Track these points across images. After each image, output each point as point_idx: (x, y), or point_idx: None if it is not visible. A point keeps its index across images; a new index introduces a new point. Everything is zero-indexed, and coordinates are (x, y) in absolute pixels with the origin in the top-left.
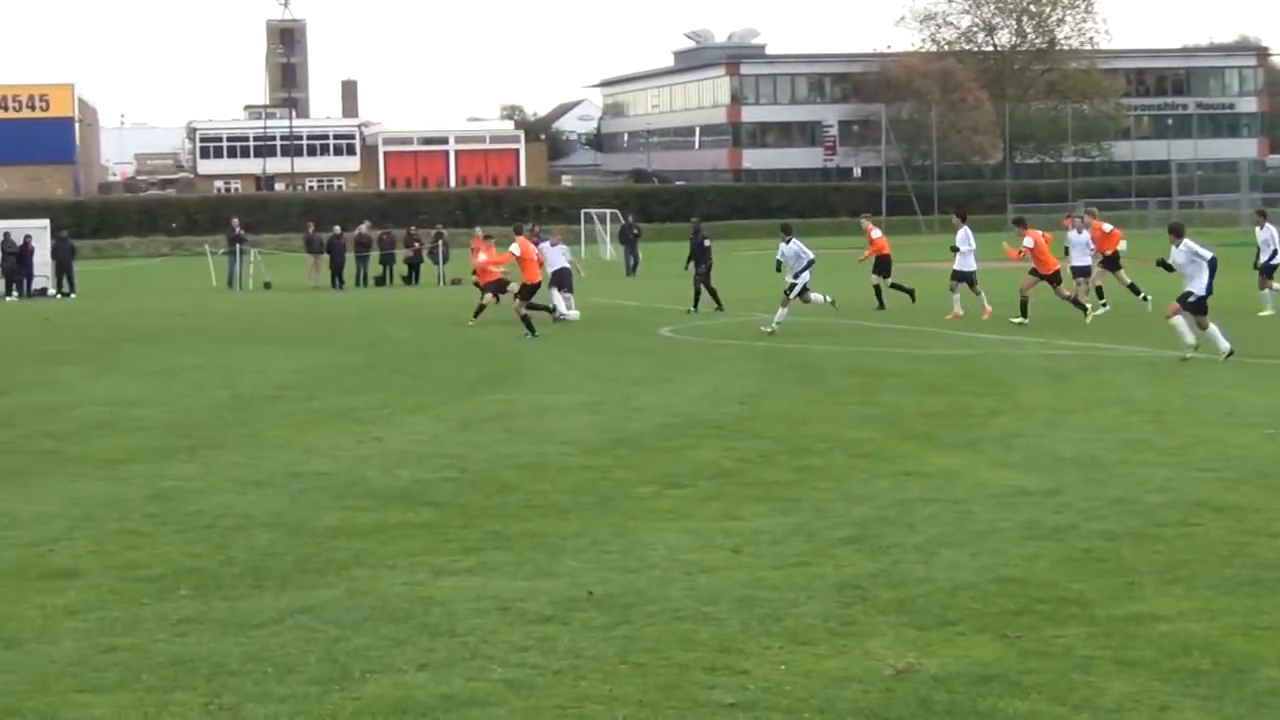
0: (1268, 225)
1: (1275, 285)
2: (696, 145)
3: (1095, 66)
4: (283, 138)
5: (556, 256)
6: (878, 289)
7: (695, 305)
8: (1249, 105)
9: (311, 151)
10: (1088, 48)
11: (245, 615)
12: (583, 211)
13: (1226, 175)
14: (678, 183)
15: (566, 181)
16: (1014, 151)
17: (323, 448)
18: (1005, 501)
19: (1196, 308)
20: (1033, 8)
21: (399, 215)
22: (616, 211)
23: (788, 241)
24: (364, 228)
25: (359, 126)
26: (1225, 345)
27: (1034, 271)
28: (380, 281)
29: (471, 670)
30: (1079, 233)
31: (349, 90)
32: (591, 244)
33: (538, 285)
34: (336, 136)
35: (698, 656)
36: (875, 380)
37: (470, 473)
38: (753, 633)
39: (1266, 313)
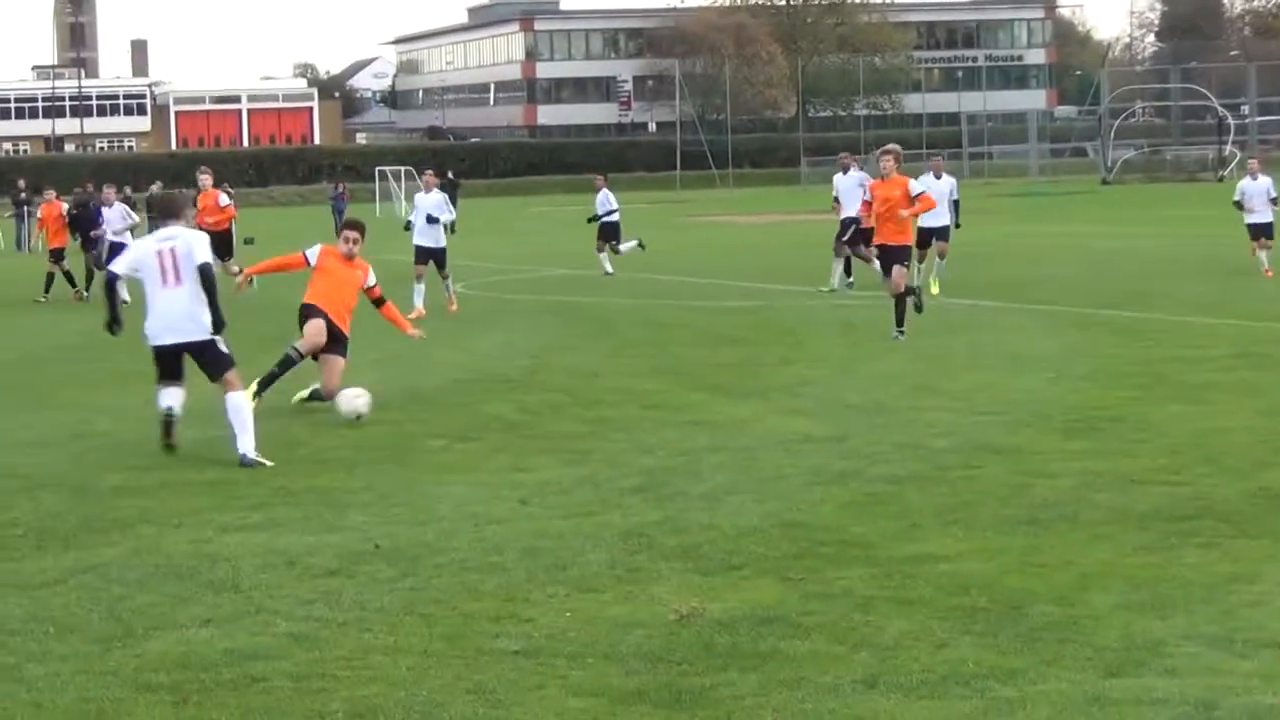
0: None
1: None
2: (492, 102)
3: (886, 20)
4: (71, 98)
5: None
6: None
7: None
8: (1037, 57)
9: (101, 112)
10: (878, 1)
11: (27, 576)
12: (377, 169)
13: (1015, 126)
14: (472, 140)
15: (361, 139)
16: (807, 105)
17: (109, 408)
18: (791, 448)
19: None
20: None
21: (191, 176)
22: (412, 169)
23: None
24: (155, 188)
25: (149, 86)
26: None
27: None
28: None
29: (256, 625)
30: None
31: (139, 49)
32: (385, 201)
33: None
34: (126, 96)
35: (483, 606)
36: (667, 333)
37: (258, 430)
38: (539, 582)
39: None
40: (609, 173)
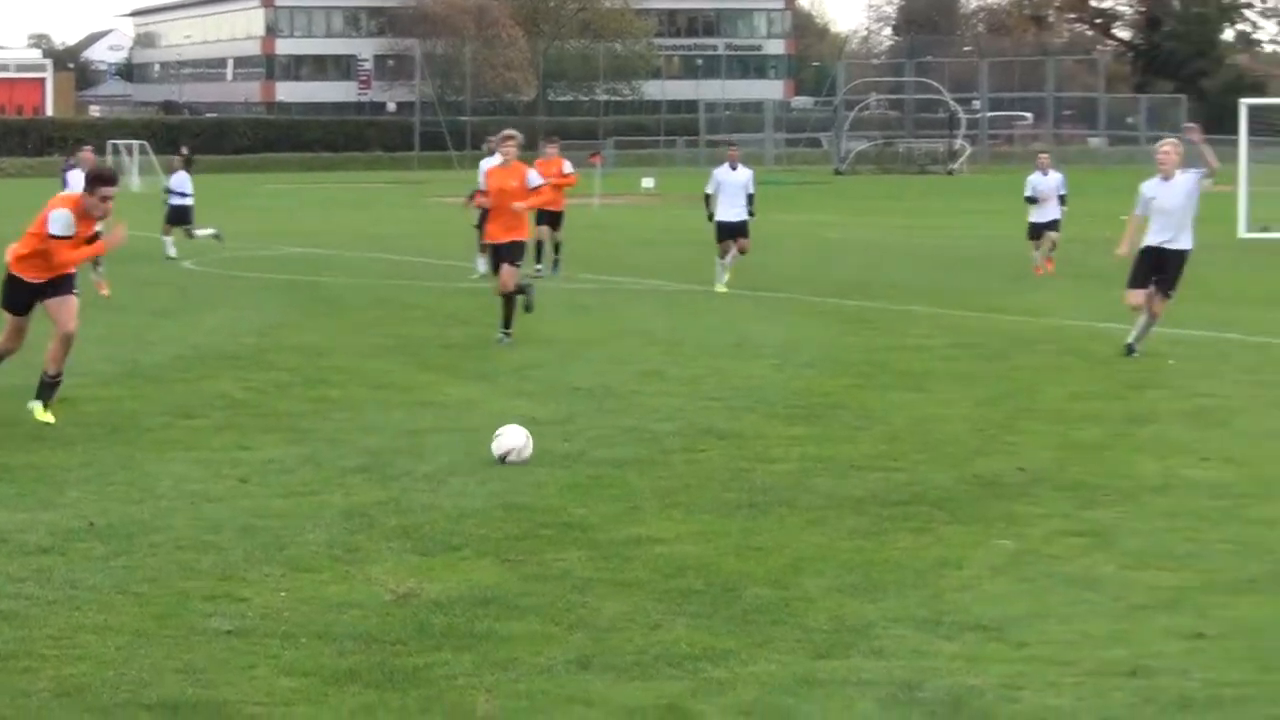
0: None
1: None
2: (230, 77)
3: (628, 6)
4: None
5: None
6: None
7: None
8: (776, 48)
9: None
10: None
11: None
12: (109, 143)
13: (753, 115)
14: (209, 115)
15: (95, 112)
16: (547, 89)
17: None
18: None
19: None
20: None
21: None
22: (145, 143)
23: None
24: None
25: None
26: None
27: None
28: None
29: None
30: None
31: None
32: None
33: None
34: None
35: (198, 585)
36: (398, 312)
37: None
38: (255, 561)
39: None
40: (347, 151)
